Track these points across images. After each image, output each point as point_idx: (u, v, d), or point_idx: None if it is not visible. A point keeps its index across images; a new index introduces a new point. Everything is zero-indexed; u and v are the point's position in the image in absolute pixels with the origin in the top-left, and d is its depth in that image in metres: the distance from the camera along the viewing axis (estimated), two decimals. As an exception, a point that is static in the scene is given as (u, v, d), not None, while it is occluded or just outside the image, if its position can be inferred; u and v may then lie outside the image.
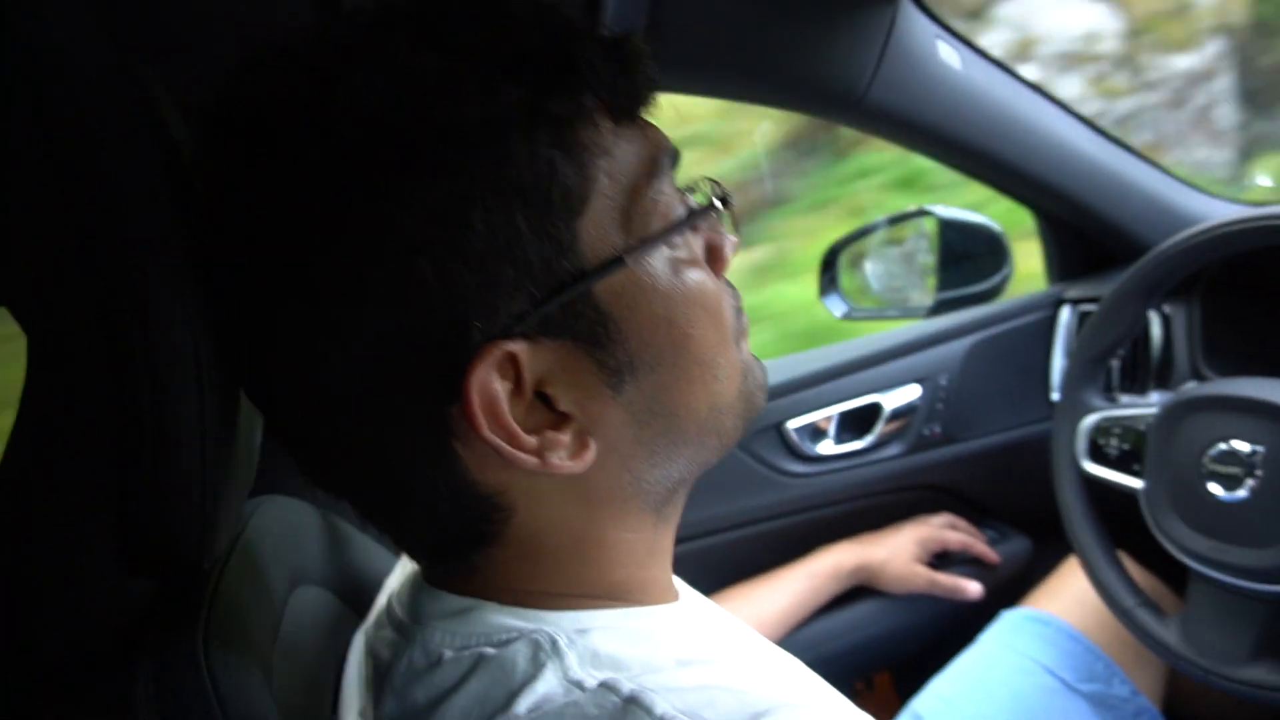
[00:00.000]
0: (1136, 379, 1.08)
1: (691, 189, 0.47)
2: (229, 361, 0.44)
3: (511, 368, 0.40)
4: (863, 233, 1.32)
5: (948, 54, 1.00)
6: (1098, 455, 0.97)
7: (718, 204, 0.46)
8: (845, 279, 1.32)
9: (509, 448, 0.40)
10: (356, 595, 0.64)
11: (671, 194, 0.44)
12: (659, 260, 0.43)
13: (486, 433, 0.40)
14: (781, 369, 1.19)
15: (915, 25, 0.96)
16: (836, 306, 1.32)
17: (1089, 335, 0.99)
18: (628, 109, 0.43)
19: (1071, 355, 1.04)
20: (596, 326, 0.41)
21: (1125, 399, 1.05)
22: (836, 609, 1.12)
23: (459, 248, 0.38)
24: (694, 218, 0.44)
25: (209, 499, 0.44)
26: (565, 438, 0.42)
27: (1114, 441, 0.96)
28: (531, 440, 0.41)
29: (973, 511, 1.23)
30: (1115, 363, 1.07)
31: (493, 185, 0.38)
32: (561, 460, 0.41)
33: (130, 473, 0.42)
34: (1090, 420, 0.98)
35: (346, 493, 0.46)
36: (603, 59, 0.41)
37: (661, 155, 0.44)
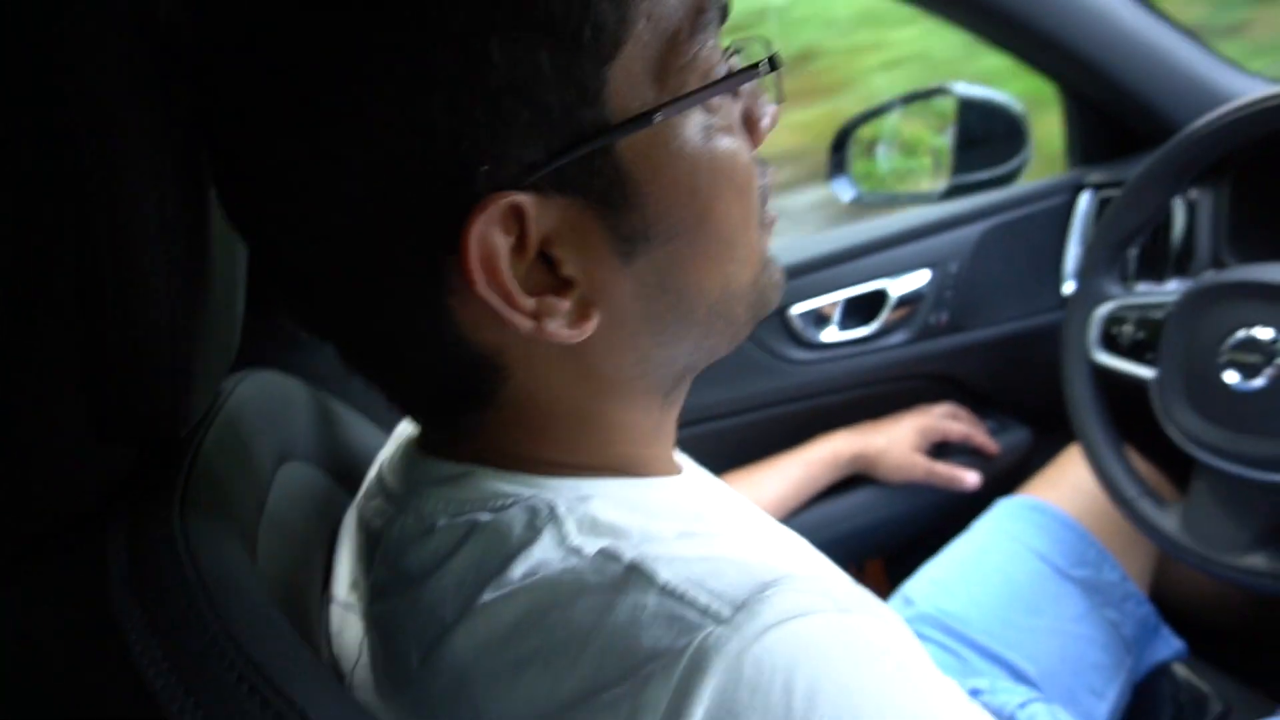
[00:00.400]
0: (1154, 268, 1.05)
1: (738, 50, 0.43)
2: (223, 199, 0.41)
3: (516, 222, 0.37)
4: (875, 112, 1.26)
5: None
6: (1110, 344, 0.95)
7: (765, 67, 0.41)
8: (856, 162, 1.27)
9: (505, 307, 0.38)
10: (349, 474, 0.62)
11: (714, 51, 0.40)
12: (692, 122, 0.39)
13: (482, 289, 0.37)
14: (784, 251, 1.15)
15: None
16: (845, 191, 1.27)
17: (1110, 220, 0.95)
18: None
19: (1089, 241, 1.00)
20: (614, 187, 0.38)
21: (1143, 287, 1.02)
22: (833, 496, 1.12)
23: (473, 82, 0.34)
24: (737, 78, 0.40)
25: (180, 361, 0.41)
26: (566, 304, 0.39)
27: (1128, 330, 0.93)
28: (530, 302, 0.38)
29: (975, 402, 1.22)
30: (1133, 250, 1.03)
31: (518, 15, 0.34)
32: (559, 328, 0.39)
33: (96, 332, 0.39)
34: (1105, 309, 0.95)
35: (336, 340, 0.43)
36: None
37: (709, 4, 0.39)
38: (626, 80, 0.37)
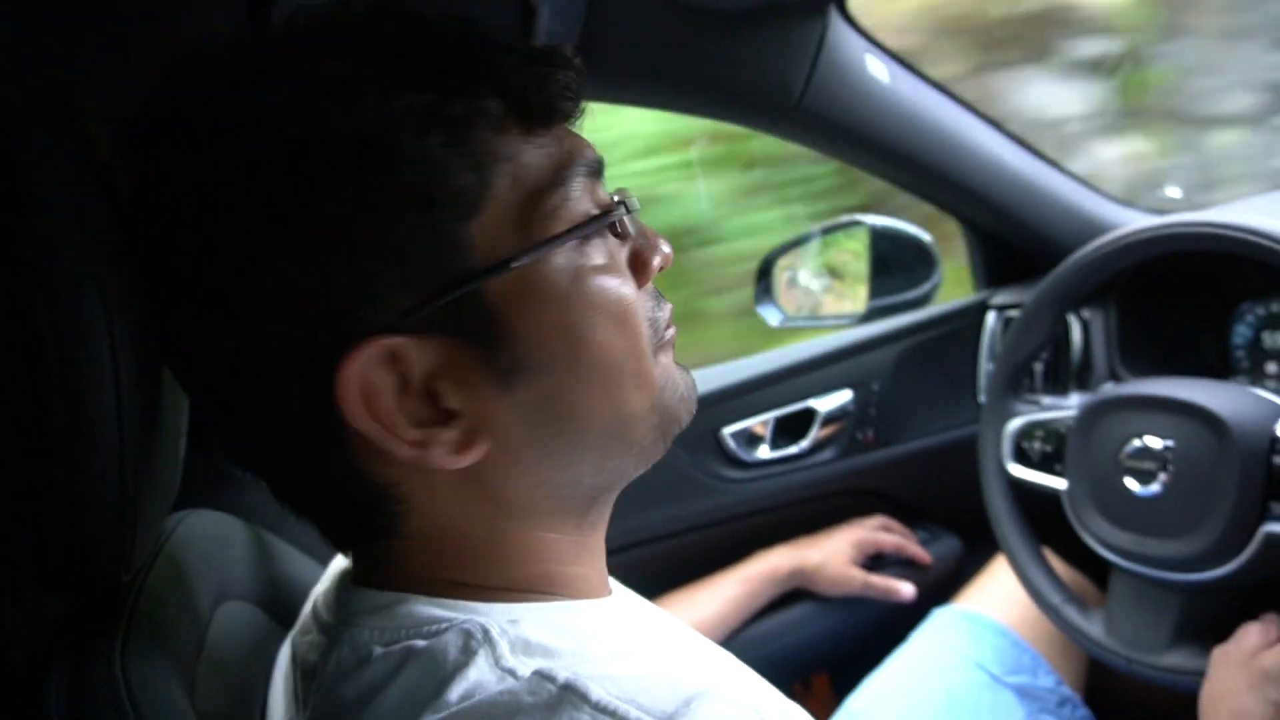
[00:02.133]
0: (1058, 381, 1.12)
1: (623, 200, 0.47)
2: (155, 348, 0.45)
3: (396, 362, 0.41)
4: (797, 242, 1.35)
5: (876, 67, 1.02)
6: (1022, 458, 1.01)
7: (623, 209, 0.46)
8: (780, 288, 1.34)
9: (386, 438, 0.41)
10: (285, 610, 0.62)
11: (582, 199, 0.45)
12: (559, 264, 0.43)
13: (360, 423, 0.40)
14: (716, 376, 1.21)
15: (845, 39, 0.98)
16: (771, 315, 1.34)
17: (1010, 343, 1.03)
18: (540, 116, 0.44)
19: (995, 362, 1.07)
20: (485, 326, 0.42)
21: (1048, 400, 1.09)
22: (774, 612, 1.13)
23: (344, 246, 0.39)
24: (595, 223, 0.44)
25: (128, 509, 0.42)
26: (450, 434, 0.42)
27: (1037, 444, 0.99)
28: (413, 433, 0.41)
29: (905, 514, 1.26)
30: (1038, 366, 1.11)
31: (382, 187, 0.39)
32: (442, 455, 0.42)
33: (43, 480, 0.40)
34: (1014, 425, 1.01)
35: (263, 476, 0.46)
36: (515, 68, 0.42)
37: (575, 161, 0.44)
38: (490, 232, 0.41)
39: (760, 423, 1.19)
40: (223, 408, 0.44)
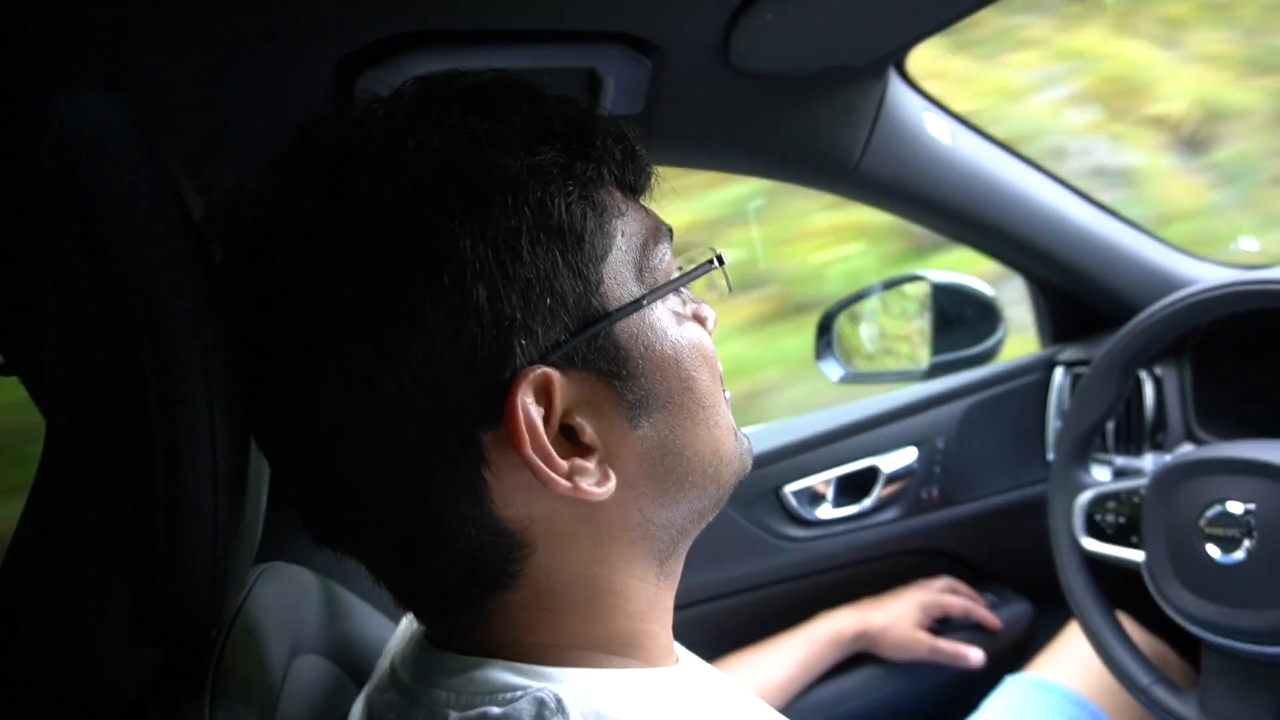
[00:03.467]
0: (1131, 439, 1.09)
1: (690, 260, 0.53)
2: (251, 422, 0.46)
3: (545, 394, 0.43)
4: (857, 297, 1.35)
5: (936, 126, 1.03)
6: (1095, 531, 0.97)
7: (716, 261, 0.52)
8: (841, 343, 1.34)
9: (545, 468, 0.43)
10: (356, 664, 0.63)
11: (672, 261, 0.50)
12: (665, 311, 0.48)
13: (528, 451, 0.42)
14: (777, 433, 1.20)
15: (903, 99, 0.99)
16: (833, 370, 1.33)
17: (1075, 411, 1.00)
18: (634, 185, 0.49)
19: (1061, 430, 1.05)
20: (617, 362, 0.45)
21: (1120, 460, 1.05)
22: (838, 676, 1.10)
23: (508, 275, 0.42)
24: (700, 269, 0.51)
25: (220, 569, 0.44)
26: (591, 465, 0.44)
27: (1110, 516, 0.96)
28: (564, 464, 0.43)
29: (972, 575, 1.22)
30: (1110, 423, 1.08)
31: (537, 224, 0.43)
32: (590, 486, 0.44)
33: (144, 542, 0.42)
34: (1085, 498, 0.98)
35: (357, 544, 0.47)
36: (615, 140, 0.47)
37: (660, 227, 0.50)
38: (616, 276, 0.46)
39: (822, 481, 1.18)
40: (330, 480, 0.45)
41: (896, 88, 0.98)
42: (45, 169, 0.43)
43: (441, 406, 0.42)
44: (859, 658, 1.12)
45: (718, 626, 1.12)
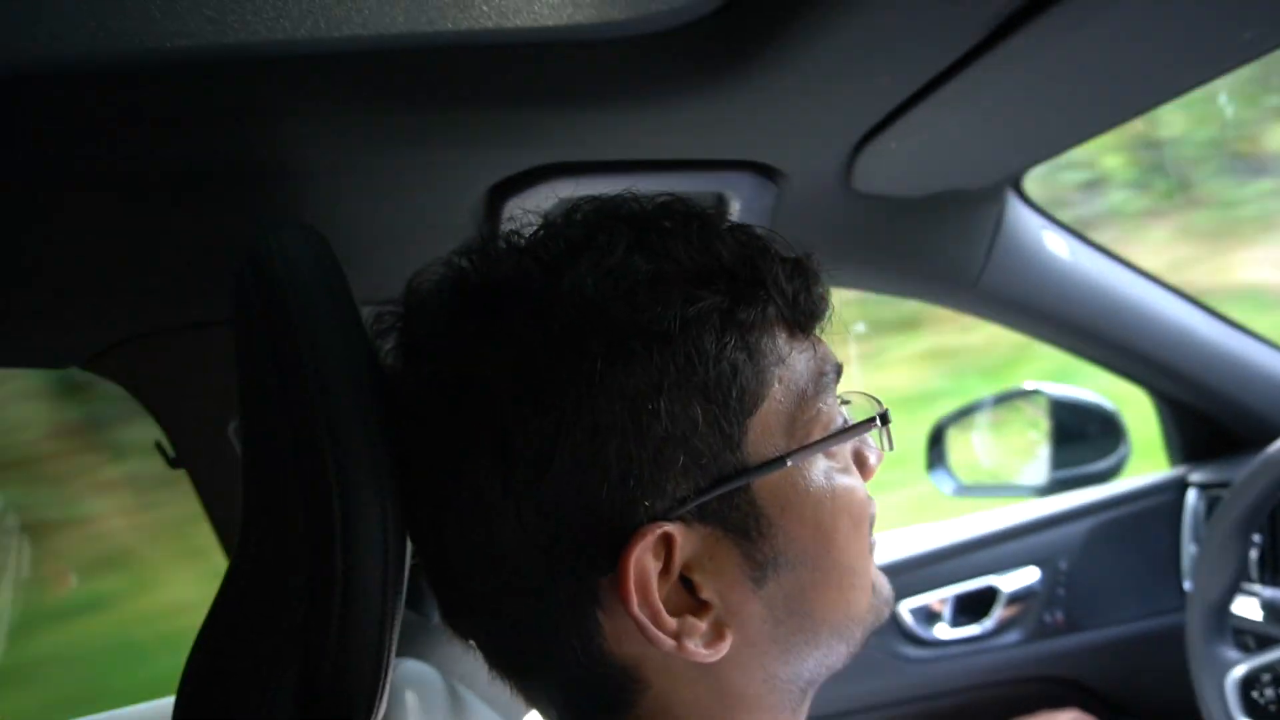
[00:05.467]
0: (1278, 567, 1.02)
1: (847, 401, 0.50)
2: (407, 526, 0.48)
3: (663, 548, 0.42)
4: (969, 410, 1.33)
5: (1055, 243, 1.03)
6: (1254, 710, 0.89)
7: (877, 420, 0.48)
8: (953, 456, 1.31)
9: (651, 626, 0.41)
10: None
11: (833, 405, 0.47)
12: (817, 465, 0.45)
13: (635, 609, 0.41)
14: (892, 549, 1.17)
15: (1021, 217, 1.00)
16: (945, 483, 1.30)
17: (1203, 580, 0.95)
18: (804, 323, 0.46)
19: (1190, 602, 0.98)
20: (749, 520, 0.43)
21: (1269, 593, 0.99)
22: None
23: (642, 432, 0.41)
24: (856, 429, 0.47)
25: (385, 666, 0.46)
26: (703, 625, 0.43)
27: (1269, 691, 0.88)
28: (672, 623, 0.42)
29: (1104, 707, 1.15)
30: (1254, 552, 1.02)
31: (682, 379, 0.41)
32: (696, 646, 0.42)
33: (317, 640, 0.45)
34: (1235, 675, 0.91)
35: (487, 648, 0.47)
36: (789, 275, 0.45)
37: (828, 369, 0.47)
38: (763, 431, 0.43)
39: (939, 599, 1.14)
40: (467, 585, 0.46)
41: (1014, 206, 0.99)
42: (246, 291, 0.48)
43: (561, 552, 0.42)
44: (983, 794, 1.05)
45: None
